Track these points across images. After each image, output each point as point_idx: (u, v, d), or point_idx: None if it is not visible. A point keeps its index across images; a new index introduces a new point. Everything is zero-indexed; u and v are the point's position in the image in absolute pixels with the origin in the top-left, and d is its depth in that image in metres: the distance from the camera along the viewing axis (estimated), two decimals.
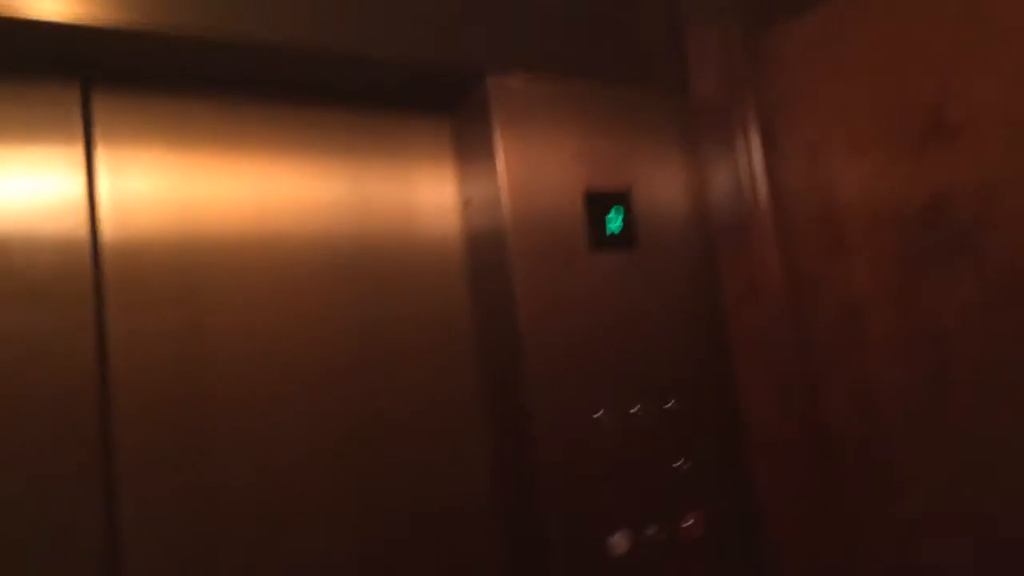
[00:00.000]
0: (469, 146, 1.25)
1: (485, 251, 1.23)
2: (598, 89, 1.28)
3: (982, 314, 1.00)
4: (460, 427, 1.24)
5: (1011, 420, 0.98)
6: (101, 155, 1.03)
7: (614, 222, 1.26)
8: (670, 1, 1.38)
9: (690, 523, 1.24)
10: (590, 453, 1.19)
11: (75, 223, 0.99)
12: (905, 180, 1.07)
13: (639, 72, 1.33)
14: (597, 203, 1.24)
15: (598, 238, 1.24)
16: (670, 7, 1.38)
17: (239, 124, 1.13)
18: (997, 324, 0.98)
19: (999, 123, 0.98)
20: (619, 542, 1.18)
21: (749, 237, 1.26)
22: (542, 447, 1.14)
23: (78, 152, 1.00)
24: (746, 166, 1.26)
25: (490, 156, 1.18)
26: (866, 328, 1.13)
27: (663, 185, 1.32)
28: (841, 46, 1.15)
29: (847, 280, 1.16)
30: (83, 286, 0.98)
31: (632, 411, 1.23)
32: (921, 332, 1.07)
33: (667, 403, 1.27)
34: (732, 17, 1.26)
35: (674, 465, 1.27)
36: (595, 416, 1.20)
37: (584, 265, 1.22)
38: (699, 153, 1.35)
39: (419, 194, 1.26)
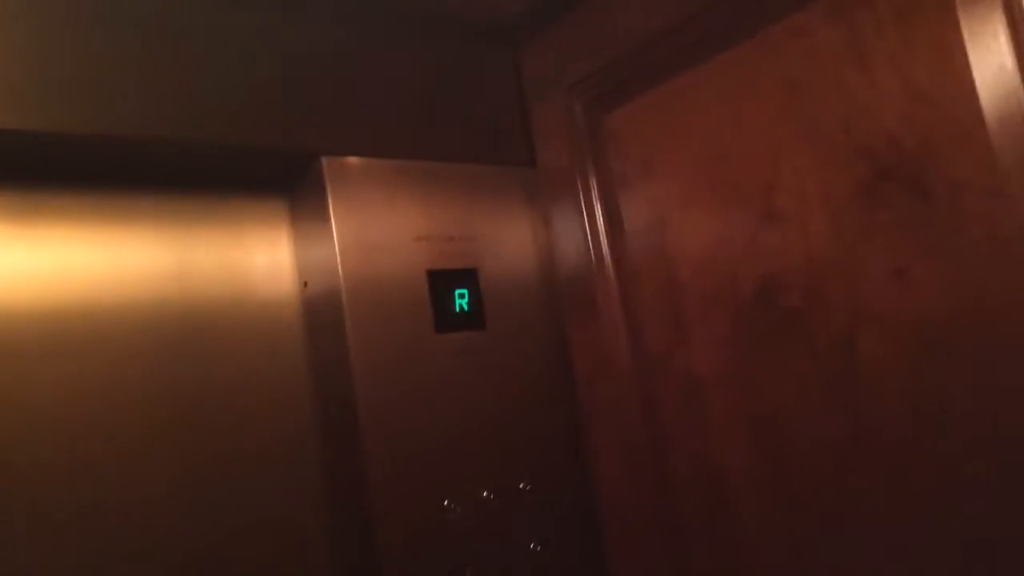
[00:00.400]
0: (306, 228, 1.22)
1: (323, 334, 1.19)
2: (441, 168, 1.26)
3: (816, 392, 1.01)
4: (299, 520, 1.18)
5: (843, 498, 0.99)
6: None
7: (461, 302, 1.24)
8: (515, 81, 1.38)
9: None
10: (440, 544, 1.15)
11: None
12: (738, 261, 1.09)
13: (484, 149, 1.32)
14: (442, 283, 1.22)
15: (444, 319, 1.21)
16: (516, 87, 1.38)
17: (77, 207, 1.07)
18: (830, 401, 1.00)
19: (822, 210, 1.00)
20: None
21: (597, 313, 1.25)
22: (385, 543, 1.10)
23: None
24: (592, 242, 1.26)
25: (326, 237, 1.15)
26: (709, 407, 1.14)
27: (511, 262, 1.30)
28: (678, 129, 1.16)
29: (689, 358, 1.16)
30: None
31: (484, 495, 1.20)
32: (760, 412, 1.07)
33: (521, 485, 1.24)
34: (575, 95, 1.27)
35: (530, 547, 1.24)
36: (445, 504, 1.16)
37: (430, 348, 1.19)
38: (546, 229, 1.34)
39: (256, 274, 1.21)
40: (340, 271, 1.11)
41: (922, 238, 0.91)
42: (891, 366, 0.94)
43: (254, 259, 1.21)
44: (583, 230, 1.28)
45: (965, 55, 0.86)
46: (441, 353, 1.19)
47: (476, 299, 1.24)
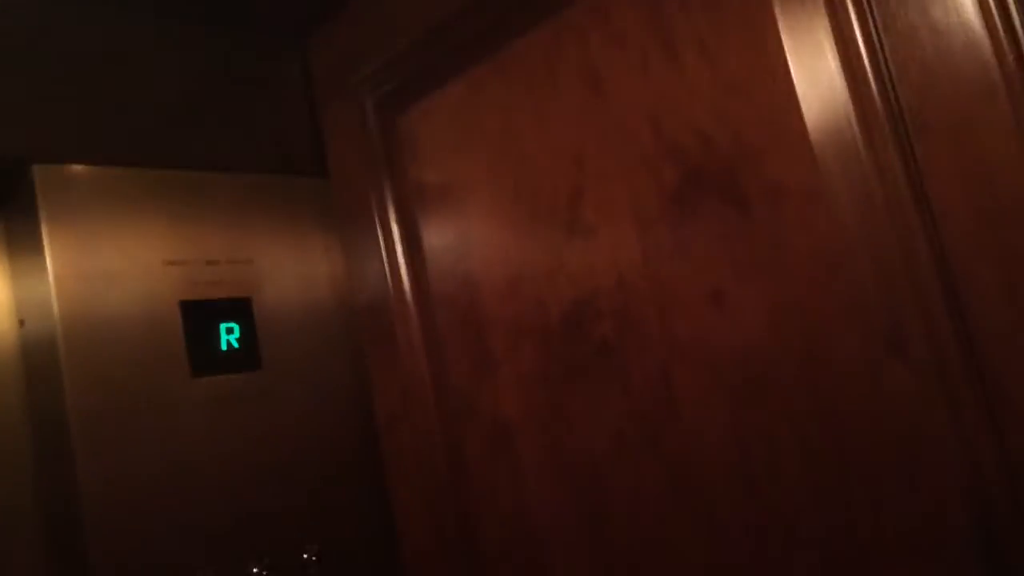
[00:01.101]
0: (21, 254, 0.98)
1: (40, 385, 0.96)
2: (204, 178, 1.05)
3: (632, 437, 0.86)
4: None
5: (665, 559, 0.83)
6: None
7: (229, 338, 1.03)
8: (304, 80, 1.19)
9: None
10: None
11: None
12: (545, 285, 0.92)
13: (264, 157, 1.12)
14: (201, 316, 1.01)
15: (204, 360, 1.00)
16: (304, 87, 1.19)
17: None
18: (647, 448, 0.84)
19: (631, 222, 0.85)
20: None
21: (397, 348, 1.07)
22: None
23: None
24: (390, 266, 1.08)
25: (39, 265, 0.92)
26: (518, 453, 0.97)
27: (296, 289, 1.11)
28: (476, 129, 1.00)
29: (496, 398, 0.99)
30: None
31: (255, 570, 0.99)
32: (573, 460, 0.91)
33: (306, 554, 1.04)
34: (366, 93, 1.08)
35: None
36: None
37: (183, 395, 0.98)
38: (340, 250, 1.15)
39: None
40: (55, 307, 0.89)
41: (739, 253, 0.77)
42: (711, 407, 0.80)
43: None
44: (380, 252, 1.10)
45: (779, 41, 0.72)
46: (198, 401, 0.98)
47: (248, 334, 1.04)
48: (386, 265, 1.09)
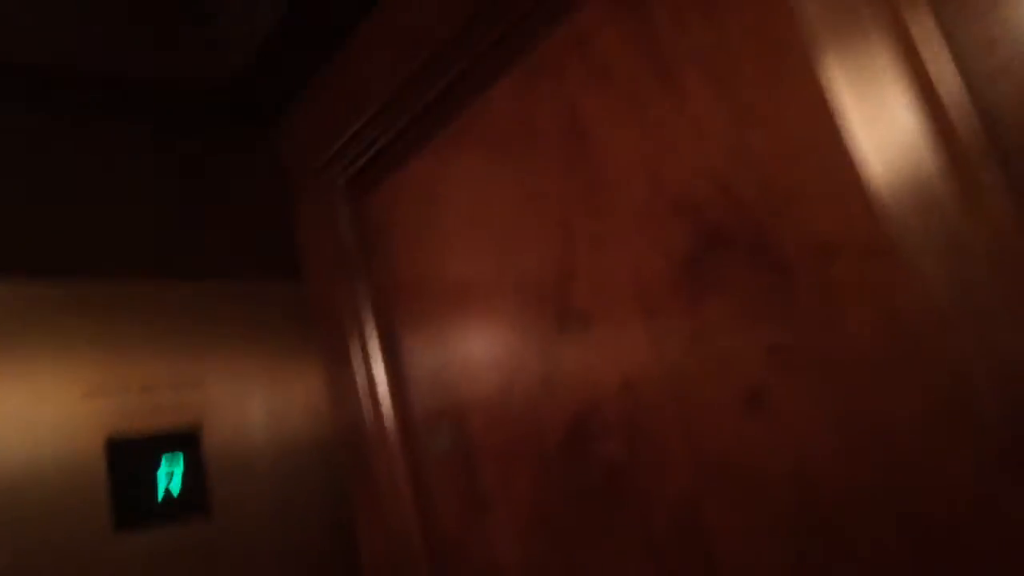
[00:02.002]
0: None
1: None
2: (144, 287, 0.89)
3: None
4: None
5: None
6: None
7: (168, 481, 0.84)
8: (266, 167, 1.04)
9: None
10: None
11: None
12: (538, 398, 0.71)
13: (219, 259, 0.96)
14: (132, 453, 0.83)
15: (135, 509, 0.81)
16: (267, 174, 1.04)
17: None
18: None
19: (634, 305, 0.64)
20: None
21: (379, 487, 0.86)
22: None
23: None
24: (369, 390, 0.89)
25: None
26: None
27: (261, 416, 0.92)
28: (445, 206, 0.81)
29: (488, 545, 0.77)
30: None
31: None
32: None
33: None
34: (337, 173, 0.92)
35: None
36: None
37: (105, 555, 0.78)
38: (317, 368, 0.96)
39: None
40: None
41: (780, 335, 0.55)
42: (756, 553, 0.56)
43: None
44: (355, 369, 0.91)
45: (810, 56, 0.53)
46: (123, 561, 0.78)
47: (195, 473, 0.85)
48: (362, 385, 0.90)
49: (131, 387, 0.85)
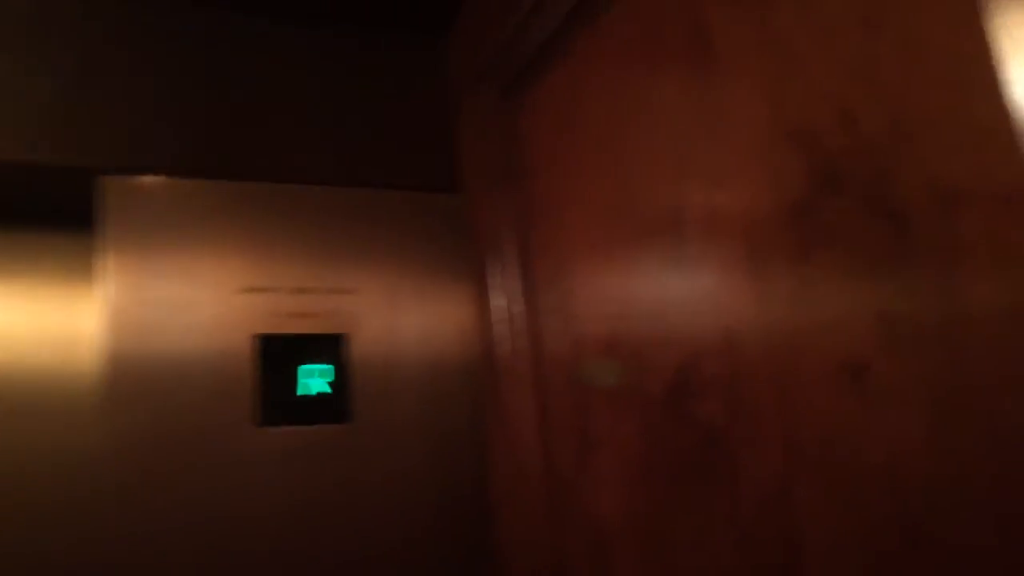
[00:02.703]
0: (79, 273, 0.93)
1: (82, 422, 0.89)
2: (299, 192, 0.92)
3: (739, 568, 0.56)
4: None
5: None
6: None
7: (314, 382, 0.89)
8: (430, 80, 1.03)
9: None
10: None
11: None
12: (647, 338, 0.66)
13: (374, 168, 0.97)
14: (280, 353, 0.88)
15: (277, 406, 0.87)
16: (430, 86, 1.03)
17: None
18: None
19: (742, 247, 0.56)
20: None
21: (507, 412, 0.86)
22: None
23: None
24: (507, 308, 0.87)
25: (96, 287, 0.85)
26: (614, 573, 0.70)
27: (410, 329, 0.94)
28: (577, 121, 0.76)
29: (595, 490, 0.74)
30: None
31: None
32: None
33: None
34: (492, 85, 0.89)
35: None
36: None
37: (248, 448, 0.85)
38: (464, 284, 0.96)
39: (55, 325, 0.94)
40: (107, 337, 0.81)
41: (891, 299, 0.45)
42: (841, 546, 0.48)
43: (51, 316, 0.94)
44: (494, 296, 0.89)
45: None
46: (265, 456, 0.84)
47: (341, 378, 0.89)
48: (498, 308, 0.88)
49: (283, 288, 0.89)
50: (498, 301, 0.87)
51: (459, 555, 0.89)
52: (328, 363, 0.90)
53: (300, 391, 0.88)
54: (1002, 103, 0.40)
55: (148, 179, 0.87)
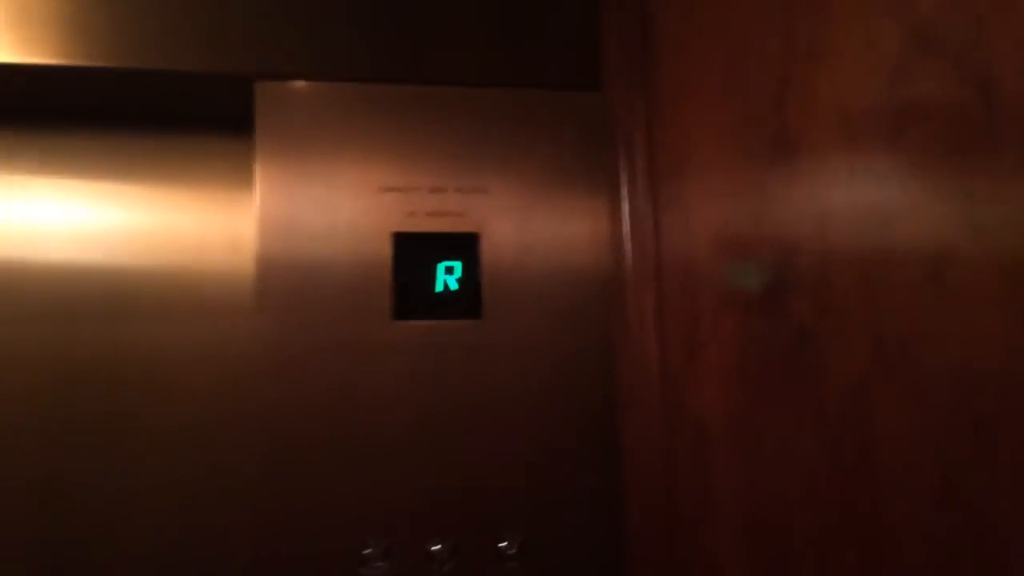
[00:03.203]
0: (235, 176, 1.00)
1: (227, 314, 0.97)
2: (435, 93, 0.95)
3: (824, 485, 0.54)
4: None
5: None
6: None
7: (447, 278, 0.93)
8: None
9: None
10: None
11: None
12: (750, 230, 0.63)
13: (510, 67, 0.98)
14: (416, 250, 0.92)
15: (412, 301, 0.92)
16: None
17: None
18: (838, 508, 0.53)
19: (838, 126, 0.53)
20: None
21: (630, 315, 0.86)
22: None
23: None
24: (637, 205, 0.86)
25: (249, 189, 0.93)
26: (713, 478, 0.70)
27: (541, 231, 0.95)
28: (700, 3, 0.72)
29: (699, 387, 0.72)
30: None
31: (432, 550, 0.89)
32: (761, 496, 0.62)
33: (503, 543, 0.90)
34: None
35: None
36: (365, 553, 0.88)
37: (383, 339, 0.91)
38: (598, 188, 0.96)
39: (214, 225, 1.03)
40: (257, 227, 0.89)
41: (975, 180, 0.41)
42: (914, 451, 0.45)
43: (213, 219, 1.03)
44: (623, 191, 0.88)
45: None
46: (399, 347, 0.90)
47: (471, 276, 0.92)
48: (627, 212, 0.86)
49: (421, 187, 0.92)
50: (627, 202, 0.86)
51: (583, 454, 0.91)
52: (460, 260, 0.92)
53: (435, 287, 0.91)
54: None
55: (299, 84, 0.92)
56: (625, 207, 0.85)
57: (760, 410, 0.61)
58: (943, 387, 0.43)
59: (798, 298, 0.56)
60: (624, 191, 0.86)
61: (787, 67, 0.57)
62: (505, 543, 0.90)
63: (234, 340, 0.97)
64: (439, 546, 0.89)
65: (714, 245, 0.68)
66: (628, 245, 0.84)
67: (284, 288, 0.88)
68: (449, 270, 0.92)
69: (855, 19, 0.50)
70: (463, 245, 0.92)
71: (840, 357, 0.52)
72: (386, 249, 0.91)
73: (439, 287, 0.91)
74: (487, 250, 0.92)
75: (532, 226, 0.93)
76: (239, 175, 1.01)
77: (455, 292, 0.92)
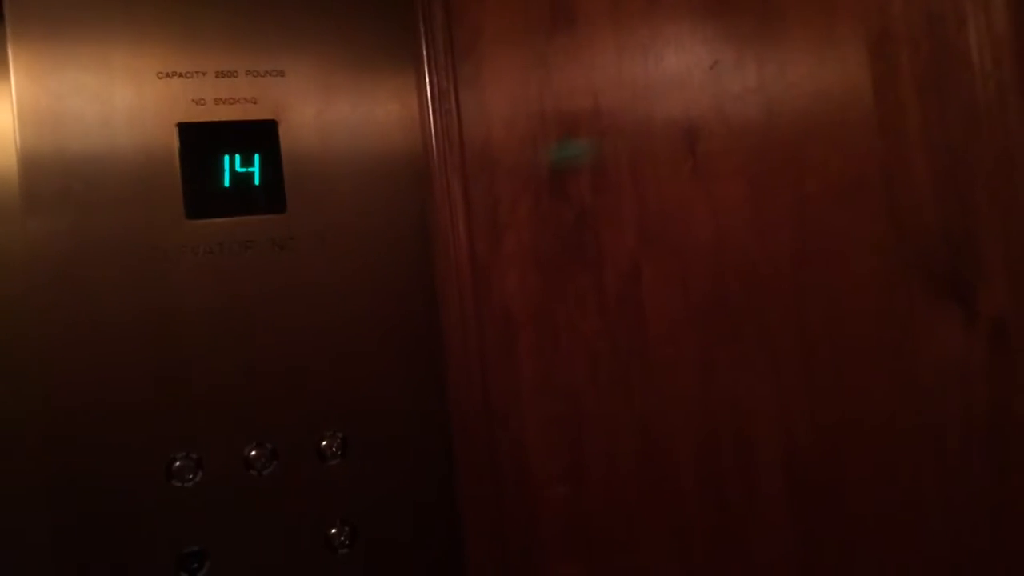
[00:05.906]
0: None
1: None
2: None
3: (605, 370, 0.55)
4: None
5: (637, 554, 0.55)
6: None
7: (242, 171, 0.88)
8: None
9: None
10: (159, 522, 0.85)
11: None
12: (535, 110, 0.62)
13: None
14: (205, 142, 0.87)
15: (205, 198, 0.87)
16: None
17: None
18: (618, 392, 0.53)
19: (607, 6, 0.51)
20: None
21: (436, 200, 0.84)
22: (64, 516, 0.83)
23: None
24: (437, 83, 0.83)
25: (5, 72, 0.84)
26: (519, 368, 0.70)
27: (347, 117, 0.91)
28: None
29: (503, 277, 0.72)
30: None
31: (252, 454, 0.87)
32: (557, 388, 0.63)
33: (322, 440, 0.90)
34: None
35: (330, 533, 0.90)
36: (173, 465, 0.86)
37: (176, 241, 0.86)
38: (405, 70, 0.92)
39: None
40: (18, 124, 0.81)
41: (721, 50, 0.41)
42: (678, 338, 0.46)
43: None
44: (441, 76, 0.84)
45: None
46: (192, 250, 0.85)
47: (272, 168, 0.88)
48: (430, 88, 0.84)
49: (207, 71, 0.86)
50: (429, 81, 0.83)
51: (404, 347, 0.90)
52: (258, 151, 0.88)
53: (229, 182, 0.87)
54: None
55: None
56: (427, 87, 0.83)
57: (553, 296, 0.62)
58: (700, 266, 0.44)
59: (578, 178, 0.56)
60: (425, 69, 0.83)
61: None
62: (326, 441, 0.89)
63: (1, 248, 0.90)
64: (255, 451, 0.87)
65: (506, 124, 0.67)
66: (432, 127, 0.82)
67: (57, 188, 0.82)
68: (246, 162, 0.88)
69: None
70: (260, 134, 0.88)
71: (614, 239, 0.52)
72: (173, 142, 0.85)
73: (235, 181, 0.87)
74: (287, 138, 0.89)
75: (336, 110, 0.90)
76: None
77: (256, 186, 0.88)
